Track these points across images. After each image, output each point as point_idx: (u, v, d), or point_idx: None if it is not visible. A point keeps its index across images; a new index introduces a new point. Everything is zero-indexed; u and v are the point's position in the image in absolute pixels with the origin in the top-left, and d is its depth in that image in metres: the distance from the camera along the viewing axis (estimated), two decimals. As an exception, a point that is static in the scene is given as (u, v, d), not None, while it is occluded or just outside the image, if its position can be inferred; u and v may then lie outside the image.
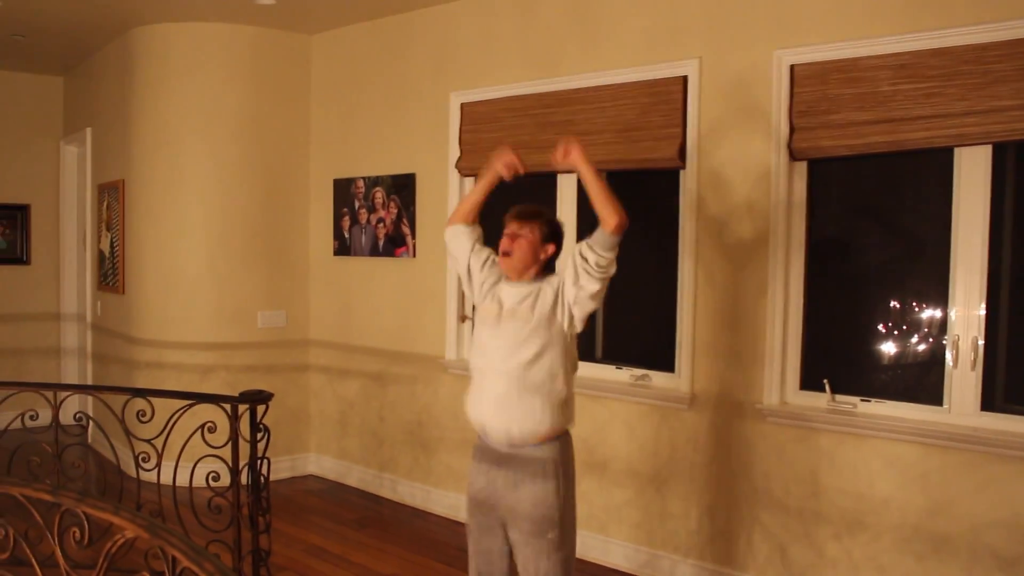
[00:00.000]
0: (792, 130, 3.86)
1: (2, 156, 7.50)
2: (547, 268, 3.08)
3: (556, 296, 2.96)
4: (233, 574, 1.80)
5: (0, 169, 7.50)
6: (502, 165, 3.11)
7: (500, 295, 3.06)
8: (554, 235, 3.07)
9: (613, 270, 2.94)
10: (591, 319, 4.81)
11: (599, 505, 4.59)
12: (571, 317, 2.96)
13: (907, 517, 3.60)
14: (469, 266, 3.18)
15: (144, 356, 6.08)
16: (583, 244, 2.93)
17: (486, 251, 3.19)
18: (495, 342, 2.99)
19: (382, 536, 5.02)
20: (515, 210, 3.09)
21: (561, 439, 3.01)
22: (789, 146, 3.87)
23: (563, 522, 2.96)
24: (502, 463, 2.98)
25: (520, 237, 3.01)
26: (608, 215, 2.90)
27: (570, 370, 3.03)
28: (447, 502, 5.34)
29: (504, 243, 3.04)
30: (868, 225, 4.04)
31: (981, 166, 3.44)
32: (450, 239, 3.24)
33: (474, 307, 3.25)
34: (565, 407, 3.00)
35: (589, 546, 4.60)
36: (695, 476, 4.24)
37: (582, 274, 2.90)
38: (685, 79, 4.19)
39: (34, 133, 7.68)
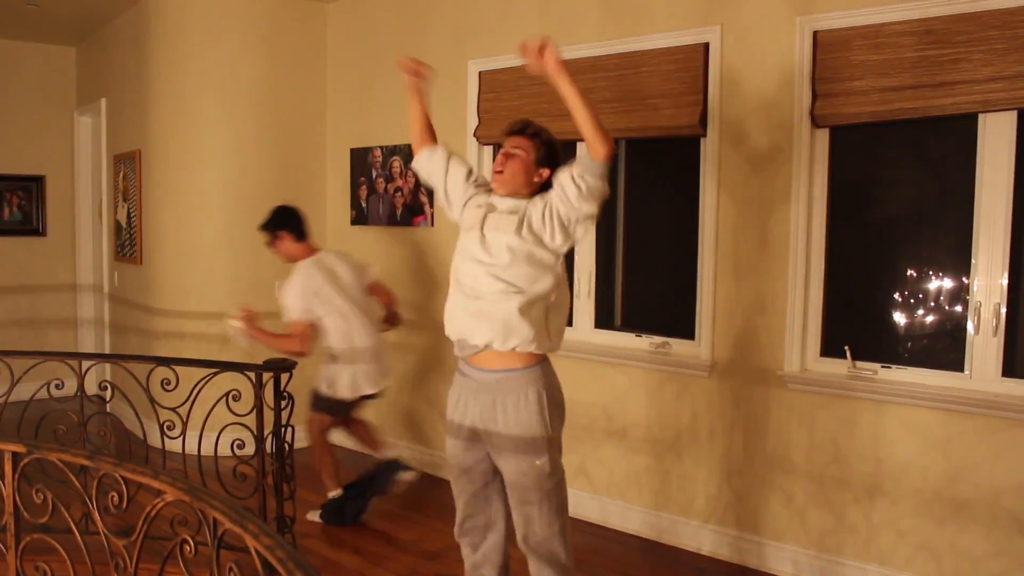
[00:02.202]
0: (814, 97, 3.84)
1: (16, 127, 7.50)
2: (540, 191, 2.97)
3: (543, 215, 2.86)
4: (275, 534, 1.83)
5: (14, 140, 7.50)
6: (405, 72, 3.11)
7: (490, 202, 2.98)
8: (551, 157, 2.96)
9: (607, 193, 2.84)
10: (610, 287, 4.86)
11: (619, 472, 4.63)
12: (563, 235, 2.87)
13: (927, 482, 3.63)
14: (447, 187, 3.11)
15: (162, 326, 6.11)
16: (572, 170, 2.82)
17: (465, 167, 3.11)
18: (482, 253, 2.90)
19: (403, 503, 5.07)
20: (512, 126, 3.00)
21: (542, 364, 2.95)
22: (811, 113, 3.85)
23: (551, 449, 2.90)
24: (482, 389, 2.92)
25: (514, 156, 2.93)
26: (598, 144, 2.76)
27: (559, 298, 2.96)
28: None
29: (497, 160, 2.96)
30: (890, 192, 4.04)
31: (1006, 133, 3.42)
32: (420, 167, 3.21)
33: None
34: (547, 331, 2.93)
35: (609, 512, 4.65)
36: (715, 443, 4.27)
37: (575, 198, 2.79)
38: (707, 46, 4.17)
39: (48, 104, 7.67)
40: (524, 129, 2.97)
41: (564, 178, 2.84)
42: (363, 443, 4.98)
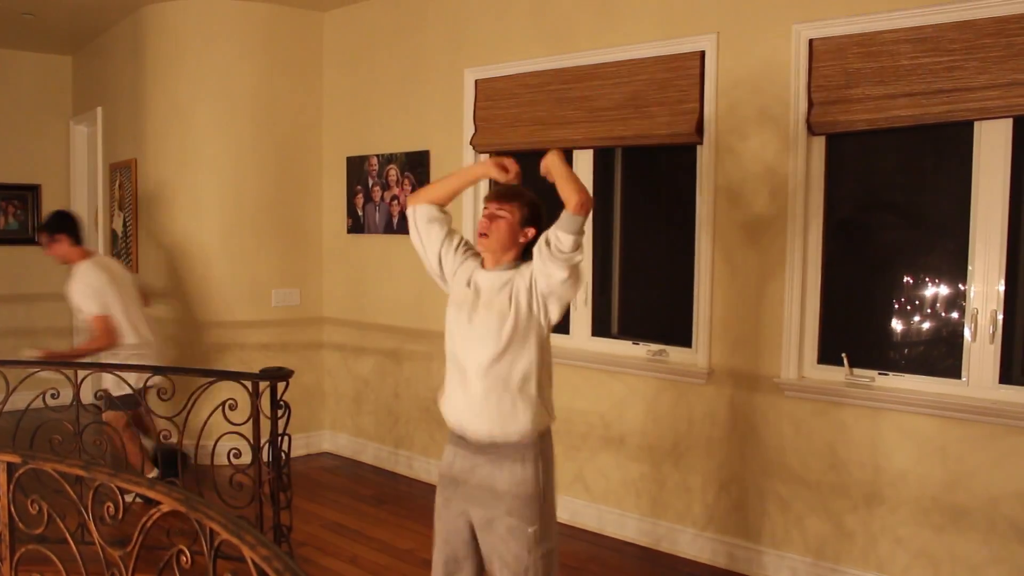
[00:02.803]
0: (810, 105, 3.85)
1: (12, 136, 7.50)
2: (526, 253, 2.92)
3: (529, 288, 2.83)
4: (272, 544, 1.82)
5: (10, 150, 7.50)
6: (495, 166, 2.95)
7: (477, 281, 2.93)
8: (534, 218, 2.92)
9: (579, 257, 2.78)
10: (607, 295, 4.86)
11: (616, 479, 4.63)
12: (546, 309, 2.84)
13: (925, 489, 3.62)
14: (440, 256, 3.03)
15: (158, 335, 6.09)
16: (549, 229, 2.79)
17: (457, 236, 3.06)
18: (471, 336, 2.86)
19: (399, 512, 5.07)
20: (495, 191, 2.97)
21: (541, 436, 2.90)
22: (807, 121, 3.86)
23: (543, 516, 2.86)
24: (479, 453, 2.88)
25: (499, 218, 2.88)
26: (570, 194, 2.74)
27: (548, 366, 2.93)
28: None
29: (482, 224, 2.91)
30: (886, 200, 4.04)
31: (1002, 140, 3.43)
32: (420, 220, 3.06)
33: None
34: (544, 405, 2.90)
35: (606, 520, 4.64)
36: (712, 450, 4.26)
37: (548, 261, 2.76)
38: (703, 54, 4.18)
39: (43, 113, 7.67)
40: (507, 194, 2.93)
41: (541, 241, 2.81)
42: (142, 430, 5.01)
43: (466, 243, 3.06)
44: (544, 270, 2.78)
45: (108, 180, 6.97)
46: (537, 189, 2.95)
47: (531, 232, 2.90)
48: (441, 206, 3.06)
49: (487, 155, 5.21)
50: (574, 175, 2.81)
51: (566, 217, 2.74)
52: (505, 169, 2.94)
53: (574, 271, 2.77)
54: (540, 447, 2.89)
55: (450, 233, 3.05)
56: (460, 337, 2.89)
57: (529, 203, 2.91)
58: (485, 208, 2.93)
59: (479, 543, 2.92)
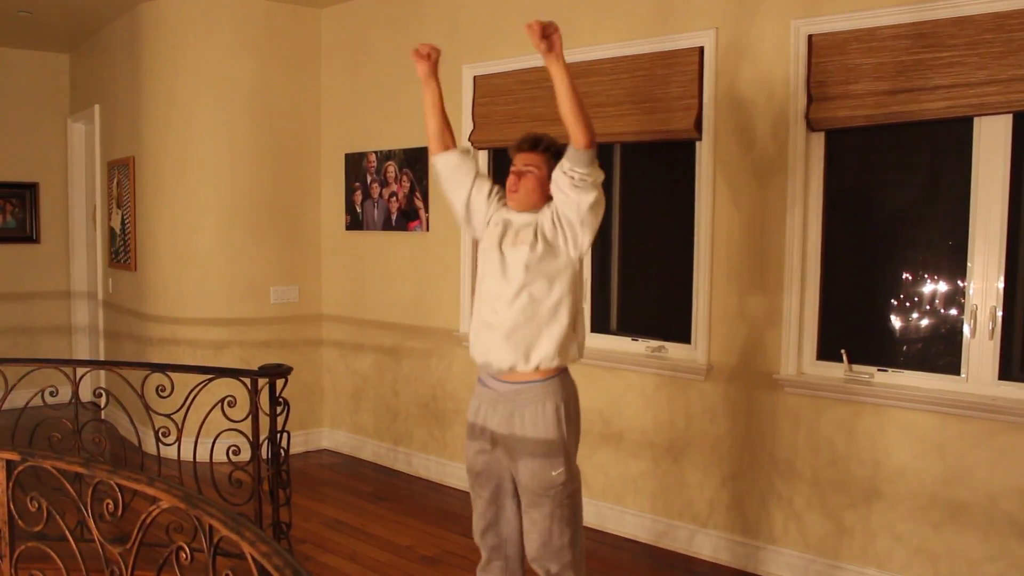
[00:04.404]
0: (809, 101, 3.85)
1: (9, 135, 7.48)
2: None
3: (553, 223, 2.87)
4: (271, 541, 1.82)
5: (8, 148, 7.48)
6: (419, 57, 3.09)
7: (507, 220, 2.99)
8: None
9: (601, 176, 2.84)
10: (605, 291, 4.86)
11: (615, 476, 4.63)
12: (576, 238, 2.87)
13: (924, 486, 3.62)
14: (469, 204, 3.09)
15: (157, 333, 6.10)
16: (561, 166, 2.82)
17: (488, 184, 3.09)
18: (500, 272, 2.91)
19: (398, 509, 5.07)
20: (518, 141, 3.00)
21: (561, 376, 2.96)
22: (806, 117, 3.86)
23: (567, 457, 2.91)
24: (500, 399, 2.94)
25: (527, 174, 2.94)
26: (578, 132, 2.76)
27: (579, 300, 2.96)
28: (463, 474, 5.33)
29: (511, 181, 2.97)
30: (886, 196, 4.04)
31: (1001, 136, 3.43)
32: (441, 172, 3.14)
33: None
34: (573, 340, 2.95)
35: (606, 516, 4.64)
36: (712, 447, 4.26)
37: (572, 191, 2.80)
38: (701, 50, 4.18)
39: (41, 111, 7.65)
40: (532, 144, 2.97)
41: (557, 176, 2.85)
42: None
43: (500, 191, 3.10)
44: (570, 201, 2.82)
45: (106, 178, 6.96)
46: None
47: None
48: (459, 149, 3.15)
49: (486, 150, 5.21)
50: (582, 104, 2.80)
51: (578, 154, 2.78)
52: (421, 55, 3.08)
53: (599, 191, 2.84)
54: (562, 393, 2.94)
55: (479, 180, 3.10)
56: (490, 273, 2.95)
57: (555, 153, 2.95)
58: (512, 164, 2.98)
59: (512, 485, 3.01)
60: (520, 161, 2.96)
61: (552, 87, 2.84)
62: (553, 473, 2.88)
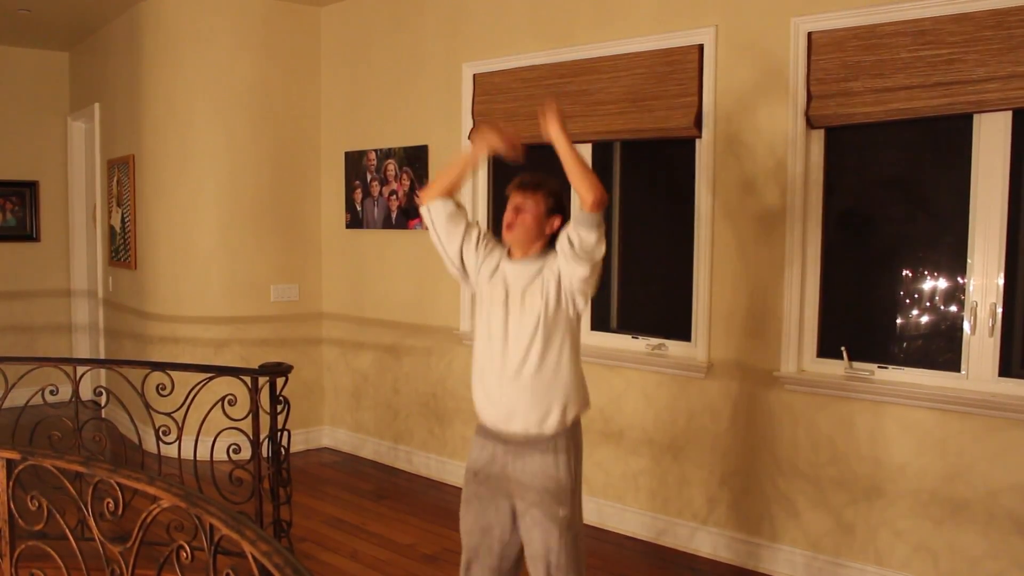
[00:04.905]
0: (809, 98, 3.85)
1: (9, 133, 7.48)
2: (552, 242, 2.93)
3: (558, 282, 2.86)
4: (272, 539, 1.82)
5: (8, 146, 7.48)
6: (500, 140, 2.93)
7: (505, 275, 2.94)
8: (559, 207, 2.94)
9: (601, 252, 2.80)
10: (605, 289, 4.85)
11: (616, 474, 4.63)
12: (573, 299, 2.87)
13: (924, 482, 3.62)
14: (462, 253, 3.01)
15: (157, 331, 6.10)
16: (568, 228, 2.80)
17: (476, 230, 3.03)
18: (505, 338, 2.88)
19: (399, 507, 5.07)
20: (518, 181, 2.96)
21: (574, 424, 2.96)
22: (806, 114, 3.86)
23: (573, 500, 2.91)
24: (508, 450, 2.91)
25: (524, 211, 2.89)
26: (584, 192, 2.74)
27: (578, 355, 2.96)
28: (463, 472, 5.36)
29: (508, 216, 2.92)
30: (886, 193, 4.04)
31: (1001, 133, 3.43)
32: (437, 218, 3.02)
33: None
34: (581, 394, 2.95)
35: (606, 514, 4.64)
36: (712, 444, 4.26)
37: (570, 260, 2.78)
38: (701, 47, 4.17)
39: (41, 109, 7.65)
40: (535, 186, 2.93)
41: (562, 239, 2.83)
42: None
43: (486, 235, 3.06)
44: (568, 269, 2.81)
45: (106, 176, 6.96)
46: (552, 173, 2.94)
47: (556, 222, 2.93)
48: (455, 199, 3.04)
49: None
50: (585, 164, 2.80)
51: (584, 216, 2.75)
52: (510, 143, 2.94)
53: (596, 267, 2.82)
54: (572, 437, 2.94)
55: (468, 228, 3.03)
56: (496, 337, 2.90)
57: (554, 193, 2.93)
58: (509, 200, 2.94)
59: (512, 531, 2.96)
60: (517, 198, 2.93)
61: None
62: (561, 513, 2.87)
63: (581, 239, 2.75)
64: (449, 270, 3.08)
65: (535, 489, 2.88)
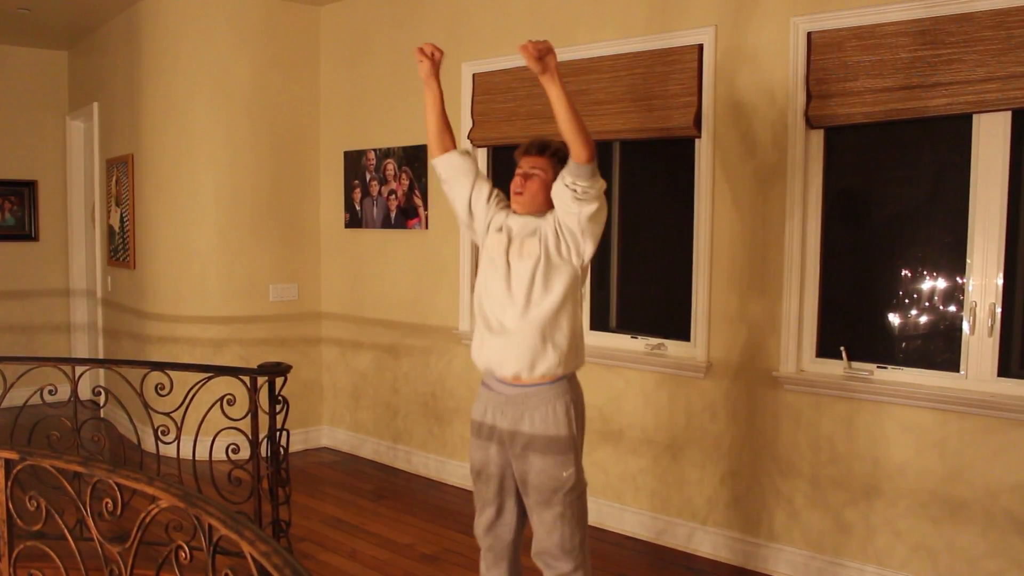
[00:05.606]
0: (809, 98, 3.85)
1: (8, 132, 7.47)
2: None
3: (556, 232, 2.89)
4: (271, 540, 1.82)
5: (6, 145, 7.47)
6: (423, 56, 3.06)
7: (509, 228, 2.99)
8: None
9: (602, 186, 2.85)
10: (605, 289, 4.85)
11: (615, 474, 4.63)
12: (578, 248, 2.89)
13: (923, 482, 3.62)
14: (470, 205, 3.09)
15: (156, 331, 6.09)
16: (562, 179, 2.83)
17: (488, 186, 3.10)
18: (504, 282, 2.92)
19: (398, 507, 5.07)
20: (525, 145, 3.02)
21: (567, 378, 2.98)
22: (806, 114, 3.85)
23: (576, 460, 2.94)
24: (508, 403, 2.95)
25: (532, 176, 2.95)
26: (579, 148, 2.76)
27: (579, 309, 2.99)
28: (462, 472, 5.37)
29: (516, 182, 2.98)
30: (885, 193, 4.04)
31: (1000, 133, 3.42)
32: (441, 173, 3.14)
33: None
34: (576, 349, 2.97)
35: (605, 514, 4.64)
36: (711, 444, 4.26)
37: (573, 202, 2.81)
38: (700, 47, 4.17)
39: (39, 109, 7.64)
40: (540, 149, 2.98)
41: (558, 188, 2.86)
42: None
43: (499, 194, 3.11)
44: (572, 211, 2.83)
45: (105, 175, 6.95)
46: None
47: None
48: (460, 149, 3.14)
49: (485, 148, 5.21)
50: (578, 116, 2.80)
51: (580, 168, 2.79)
52: (424, 54, 3.06)
53: (601, 200, 2.85)
54: (570, 394, 2.97)
55: (479, 182, 3.11)
56: (494, 282, 2.95)
57: (561, 158, 2.95)
58: (518, 167, 3.00)
59: (516, 487, 3.01)
60: (527, 164, 2.98)
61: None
62: (564, 474, 2.90)
63: (583, 187, 2.80)
64: (459, 221, 3.18)
65: (535, 445, 2.89)
